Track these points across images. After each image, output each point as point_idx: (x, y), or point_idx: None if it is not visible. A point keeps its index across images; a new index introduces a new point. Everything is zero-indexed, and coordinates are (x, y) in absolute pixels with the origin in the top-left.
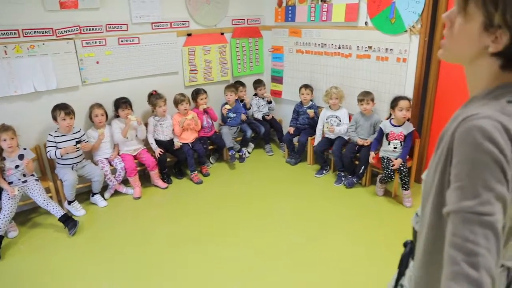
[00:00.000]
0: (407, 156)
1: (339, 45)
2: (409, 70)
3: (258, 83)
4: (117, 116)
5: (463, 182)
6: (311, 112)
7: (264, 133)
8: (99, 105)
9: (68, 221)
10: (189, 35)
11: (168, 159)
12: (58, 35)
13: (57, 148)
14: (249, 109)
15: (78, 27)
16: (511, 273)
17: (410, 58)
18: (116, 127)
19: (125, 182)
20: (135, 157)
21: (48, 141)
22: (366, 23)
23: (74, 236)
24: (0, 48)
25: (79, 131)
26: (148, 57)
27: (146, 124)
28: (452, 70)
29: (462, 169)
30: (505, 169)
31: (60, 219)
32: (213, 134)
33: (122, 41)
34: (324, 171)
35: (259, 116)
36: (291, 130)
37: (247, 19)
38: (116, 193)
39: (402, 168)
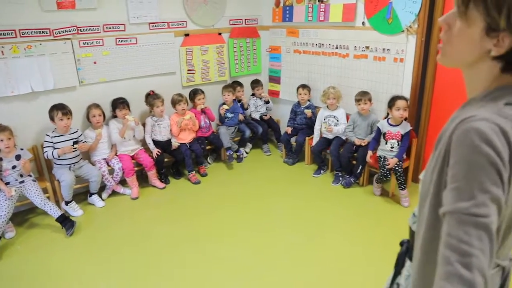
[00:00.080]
0: (404, 156)
1: (337, 45)
2: (406, 70)
3: (255, 83)
4: (114, 116)
5: (459, 184)
6: (308, 112)
7: (262, 133)
8: (97, 105)
9: (66, 221)
10: (186, 35)
11: (165, 159)
12: (55, 35)
13: (55, 148)
14: (246, 109)
15: (75, 27)
16: (506, 272)
17: (407, 58)
18: (113, 128)
19: (123, 182)
20: (132, 157)
21: (45, 141)
22: (363, 23)
23: (72, 236)
24: None
25: (77, 131)
26: (146, 57)
27: (143, 124)
28: (448, 70)
29: (459, 170)
30: (501, 172)
31: (57, 220)
32: (210, 134)
33: (119, 41)
34: (321, 171)
35: (256, 116)
36: (289, 130)
37: (245, 19)
38: (114, 193)
39: (397, 168)
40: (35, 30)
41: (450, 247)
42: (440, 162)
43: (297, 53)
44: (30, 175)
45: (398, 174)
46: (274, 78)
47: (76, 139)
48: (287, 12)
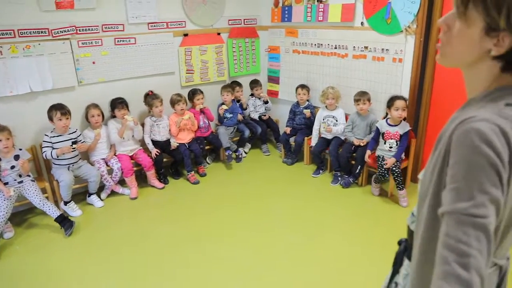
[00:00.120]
0: (403, 156)
1: (336, 45)
2: (405, 70)
3: (254, 83)
4: (113, 116)
5: (458, 184)
6: (307, 112)
7: (261, 133)
8: (96, 106)
9: (65, 221)
10: (185, 35)
11: (164, 160)
12: (54, 35)
13: (53, 148)
14: (245, 109)
15: (74, 27)
16: (503, 271)
17: (406, 58)
18: (112, 128)
19: (122, 182)
20: (131, 157)
21: (44, 141)
22: (362, 23)
23: (71, 236)
24: None
25: (75, 131)
26: (145, 57)
27: (142, 125)
28: (447, 70)
29: (458, 170)
30: (500, 173)
31: (56, 220)
32: (209, 134)
33: (118, 41)
34: (320, 171)
35: (255, 116)
36: (288, 130)
37: (244, 19)
38: (113, 193)
39: (394, 168)
40: (34, 30)
41: (448, 247)
42: (440, 162)
43: (296, 53)
44: (29, 175)
45: (396, 174)
46: (273, 78)
47: (75, 139)
48: (286, 12)
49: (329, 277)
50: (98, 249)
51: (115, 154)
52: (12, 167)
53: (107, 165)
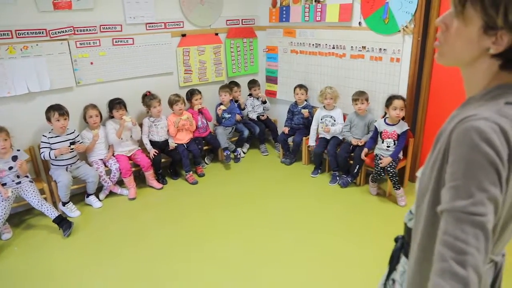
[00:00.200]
0: (401, 156)
1: (333, 45)
2: (403, 69)
3: (252, 83)
4: (111, 117)
5: (458, 182)
6: (305, 112)
7: (259, 133)
8: (94, 106)
9: (63, 222)
10: (183, 35)
11: (163, 160)
12: (51, 36)
13: (51, 149)
14: (243, 109)
15: (72, 28)
16: (498, 267)
17: (404, 58)
18: (110, 128)
19: (120, 183)
20: (130, 157)
21: (42, 142)
22: (359, 23)
23: (69, 237)
24: None
25: (73, 132)
26: (143, 57)
27: (140, 125)
28: (445, 69)
29: (457, 168)
30: (499, 171)
31: (54, 221)
32: (208, 135)
33: (116, 41)
34: (319, 171)
35: (253, 116)
36: (286, 130)
37: (242, 20)
38: (111, 194)
39: (389, 168)
40: (32, 31)
41: (446, 245)
42: (439, 160)
43: (294, 53)
44: (27, 176)
45: (391, 174)
46: (271, 78)
47: (73, 140)
48: (284, 12)
49: (327, 276)
50: (96, 250)
51: (113, 155)
52: (10, 168)
53: (106, 166)
